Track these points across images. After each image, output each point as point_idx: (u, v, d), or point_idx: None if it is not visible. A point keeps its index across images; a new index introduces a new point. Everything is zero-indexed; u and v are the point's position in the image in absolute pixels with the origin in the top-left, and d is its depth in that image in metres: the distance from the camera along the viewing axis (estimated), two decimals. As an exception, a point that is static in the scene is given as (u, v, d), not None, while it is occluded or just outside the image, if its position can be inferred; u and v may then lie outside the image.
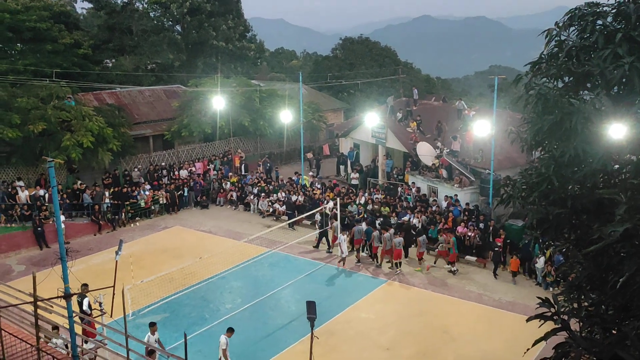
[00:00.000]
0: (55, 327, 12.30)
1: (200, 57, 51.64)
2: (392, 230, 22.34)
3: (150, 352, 12.87)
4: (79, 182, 28.83)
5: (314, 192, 29.02)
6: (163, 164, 33.75)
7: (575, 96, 7.08)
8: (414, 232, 23.45)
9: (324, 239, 24.95)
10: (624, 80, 6.57)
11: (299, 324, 17.48)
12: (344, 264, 22.45)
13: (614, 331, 5.92)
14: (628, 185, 5.33)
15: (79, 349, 10.79)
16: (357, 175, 31.77)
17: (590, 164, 6.69)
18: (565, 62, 7.03)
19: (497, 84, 25.77)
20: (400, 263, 22.11)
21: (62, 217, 24.99)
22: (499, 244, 21.30)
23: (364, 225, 23.48)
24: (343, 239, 22.40)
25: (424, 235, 22.78)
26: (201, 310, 19.10)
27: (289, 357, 16.00)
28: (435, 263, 22.33)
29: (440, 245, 22.11)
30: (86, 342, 13.88)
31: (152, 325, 14.64)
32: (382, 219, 24.70)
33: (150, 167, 32.73)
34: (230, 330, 14.83)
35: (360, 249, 23.36)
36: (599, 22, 7.01)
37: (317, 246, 24.81)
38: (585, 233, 6.78)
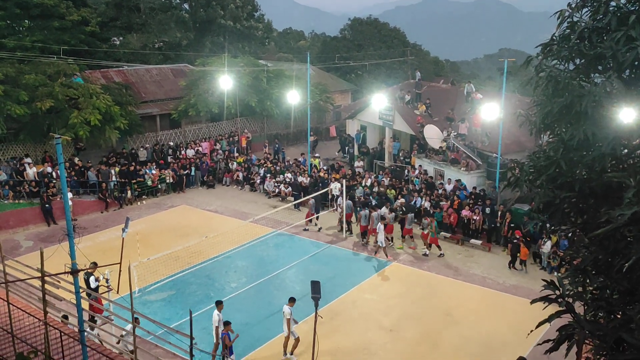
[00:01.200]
0: (65, 317, 12.44)
1: (208, 36, 51.37)
2: (379, 210, 22.72)
3: (227, 323, 13.87)
4: (77, 159, 28.92)
5: (320, 173, 29.04)
6: (171, 143, 33.81)
7: (587, 79, 6.99)
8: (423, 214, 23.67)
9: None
10: (636, 63, 6.48)
11: (303, 303, 17.58)
12: (387, 255, 21.58)
13: (618, 315, 5.92)
14: (637, 169, 5.28)
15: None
16: (361, 164, 31.52)
17: (600, 147, 6.62)
18: (577, 43, 6.92)
19: (507, 67, 25.51)
20: (392, 238, 22.81)
21: (70, 194, 25.15)
22: (518, 237, 20.55)
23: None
24: (381, 228, 21.43)
25: (412, 214, 23.01)
26: (206, 289, 19.27)
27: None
28: (425, 247, 22.29)
29: (424, 227, 22.18)
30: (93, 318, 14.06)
31: (219, 303, 14.86)
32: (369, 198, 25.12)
33: (156, 146, 32.81)
34: (292, 300, 15.12)
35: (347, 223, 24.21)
36: (613, 3, 6.89)
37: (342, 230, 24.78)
38: (593, 217, 6.74)
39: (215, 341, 14.48)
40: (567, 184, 6.76)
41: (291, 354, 15.02)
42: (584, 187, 6.61)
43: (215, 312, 14.69)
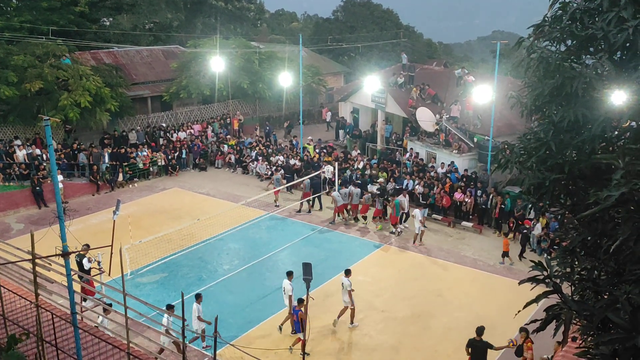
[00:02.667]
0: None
1: (199, 17, 50.78)
2: (353, 188, 23.38)
3: (300, 301, 14.29)
4: (75, 144, 28.73)
5: (313, 156, 28.99)
6: (164, 124, 33.61)
7: (578, 60, 6.97)
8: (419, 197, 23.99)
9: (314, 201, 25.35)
10: (627, 44, 6.46)
11: (295, 285, 17.69)
12: (420, 239, 21.37)
13: (605, 295, 5.99)
14: (626, 151, 5.29)
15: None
16: (358, 152, 31.28)
17: (590, 129, 6.63)
18: (568, 25, 6.87)
19: (499, 50, 25.44)
20: (365, 217, 23.47)
21: (60, 177, 25.02)
22: (527, 227, 20.15)
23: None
24: (419, 213, 21.17)
25: (385, 196, 23.46)
26: (199, 271, 19.31)
27: (285, 317, 16.24)
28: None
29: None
30: (85, 300, 14.09)
31: (290, 273, 15.74)
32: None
33: (147, 128, 32.63)
34: (348, 272, 15.90)
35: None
36: (605, -16, 6.85)
37: (306, 210, 24.94)
38: (582, 199, 6.77)
39: (289, 310, 15.25)
40: (557, 165, 6.76)
41: (352, 322, 15.97)
42: (574, 169, 6.63)
43: (287, 281, 15.51)
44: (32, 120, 27.83)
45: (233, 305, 16.87)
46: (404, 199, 22.48)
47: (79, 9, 39.67)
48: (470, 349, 13.04)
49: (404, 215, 22.70)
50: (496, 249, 20.82)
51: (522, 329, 12.91)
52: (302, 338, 13.98)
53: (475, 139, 25.74)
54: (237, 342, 14.60)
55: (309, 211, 24.69)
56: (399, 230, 22.25)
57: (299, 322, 14.17)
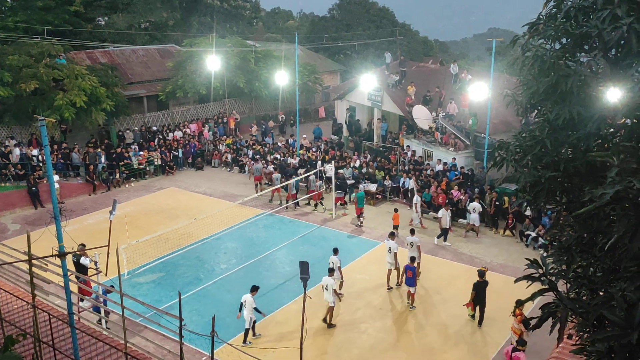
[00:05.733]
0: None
1: (195, 15, 50.73)
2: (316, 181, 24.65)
3: (413, 259, 16.71)
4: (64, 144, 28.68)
5: (309, 155, 28.97)
6: (155, 128, 33.52)
7: (573, 58, 6.99)
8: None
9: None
10: (622, 42, 6.47)
11: (292, 284, 17.75)
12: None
13: (600, 293, 6.01)
14: (621, 148, 5.31)
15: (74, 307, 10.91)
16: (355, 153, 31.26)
17: (585, 127, 6.65)
18: (563, 22, 6.90)
19: (495, 47, 25.47)
20: (322, 203, 24.88)
21: (56, 177, 24.96)
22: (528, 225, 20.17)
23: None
24: (479, 206, 21.19)
25: (355, 187, 24.17)
26: (196, 270, 19.30)
27: (282, 316, 16.28)
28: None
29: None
30: (82, 300, 14.08)
31: (392, 235, 18.16)
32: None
33: (142, 127, 32.57)
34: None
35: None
36: (599, -19, 6.86)
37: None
38: (577, 196, 6.79)
39: (394, 266, 17.63)
40: (552, 163, 6.78)
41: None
42: (569, 167, 6.65)
43: (392, 241, 17.69)
44: (28, 120, 27.76)
45: (230, 304, 16.83)
46: (445, 213, 21.03)
47: (74, 9, 39.53)
48: (475, 291, 15.52)
49: (446, 231, 21.30)
50: (493, 246, 20.89)
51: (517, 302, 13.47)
52: (412, 292, 16.52)
53: (470, 121, 25.73)
54: (234, 341, 14.62)
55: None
56: (359, 222, 22.85)
57: (411, 278, 16.31)
